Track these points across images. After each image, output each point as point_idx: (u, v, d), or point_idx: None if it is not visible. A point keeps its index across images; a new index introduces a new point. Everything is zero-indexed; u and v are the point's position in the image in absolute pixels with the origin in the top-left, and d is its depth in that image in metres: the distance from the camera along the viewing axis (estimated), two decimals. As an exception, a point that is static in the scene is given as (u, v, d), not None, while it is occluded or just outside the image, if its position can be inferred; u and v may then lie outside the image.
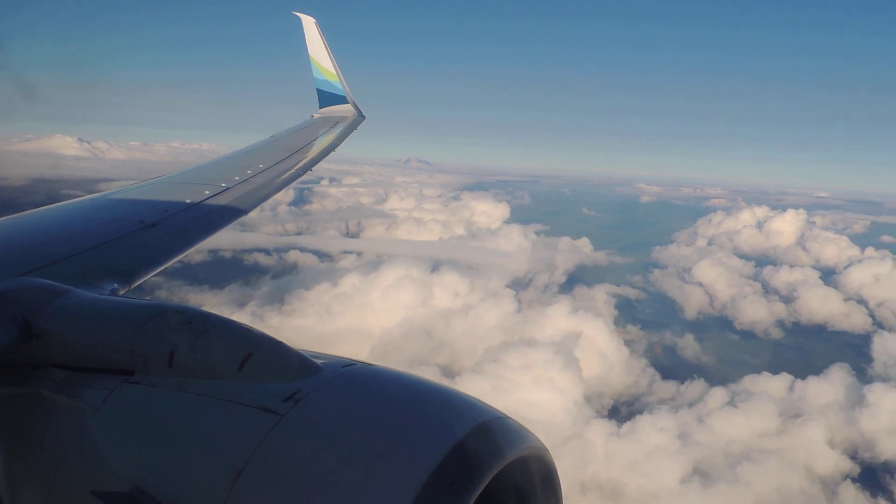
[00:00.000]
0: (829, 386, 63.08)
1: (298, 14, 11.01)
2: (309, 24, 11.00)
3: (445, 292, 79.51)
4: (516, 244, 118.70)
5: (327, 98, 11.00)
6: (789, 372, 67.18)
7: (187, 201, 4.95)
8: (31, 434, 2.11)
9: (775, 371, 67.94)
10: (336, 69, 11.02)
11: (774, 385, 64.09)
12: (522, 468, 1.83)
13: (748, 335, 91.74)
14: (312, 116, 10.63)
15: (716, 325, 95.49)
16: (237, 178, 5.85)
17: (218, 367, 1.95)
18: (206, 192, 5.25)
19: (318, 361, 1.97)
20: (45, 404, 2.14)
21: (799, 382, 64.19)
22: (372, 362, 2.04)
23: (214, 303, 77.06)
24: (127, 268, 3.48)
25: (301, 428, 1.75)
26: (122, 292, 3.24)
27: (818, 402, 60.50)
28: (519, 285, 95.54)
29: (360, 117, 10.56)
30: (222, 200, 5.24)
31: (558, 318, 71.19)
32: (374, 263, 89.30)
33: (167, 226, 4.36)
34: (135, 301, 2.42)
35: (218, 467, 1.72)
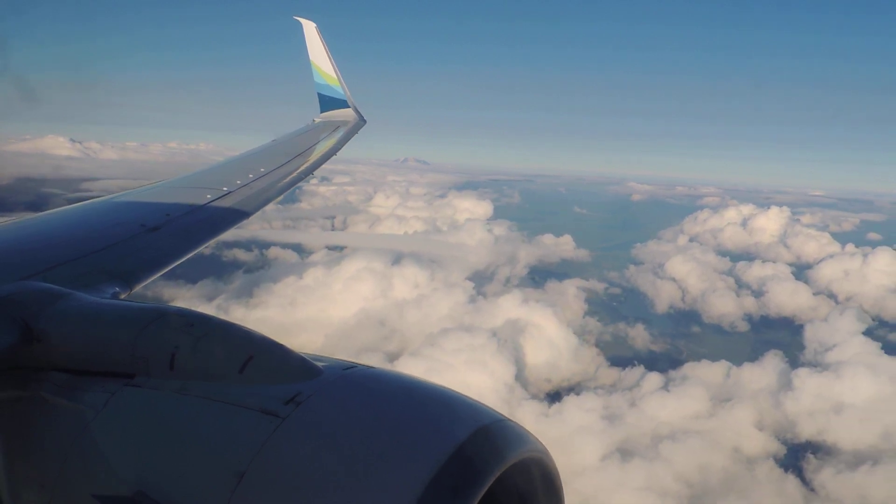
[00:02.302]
0: (763, 372, 65.06)
1: (300, 19, 11.12)
2: (310, 28, 11.07)
3: (405, 284, 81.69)
4: (487, 240, 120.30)
5: (328, 102, 11.05)
6: (743, 362, 68.76)
7: (189, 205, 4.96)
8: (33, 437, 2.10)
9: (733, 361, 69.27)
10: (337, 73, 11.08)
11: (712, 371, 65.85)
12: (524, 471, 1.85)
13: (714, 328, 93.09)
14: (314, 121, 10.72)
15: (684, 318, 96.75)
16: (239, 181, 5.85)
17: (219, 369, 1.97)
18: (208, 196, 5.26)
19: (319, 364, 1.98)
20: (46, 407, 2.13)
21: (734, 369, 66.08)
22: (372, 365, 2.05)
23: (186, 297, 77.30)
24: (129, 271, 3.50)
25: (302, 430, 1.76)
26: (123, 296, 3.25)
27: (751, 387, 62.39)
28: (483, 278, 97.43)
29: (361, 121, 10.64)
30: (224, 204, 5.24)
31: (509, 309, 73.12)
32: (343, 257, 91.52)
33: (169, 229, 4.38)
34: (136, 304, 2.44)
35: (219, 470, 1.73)
